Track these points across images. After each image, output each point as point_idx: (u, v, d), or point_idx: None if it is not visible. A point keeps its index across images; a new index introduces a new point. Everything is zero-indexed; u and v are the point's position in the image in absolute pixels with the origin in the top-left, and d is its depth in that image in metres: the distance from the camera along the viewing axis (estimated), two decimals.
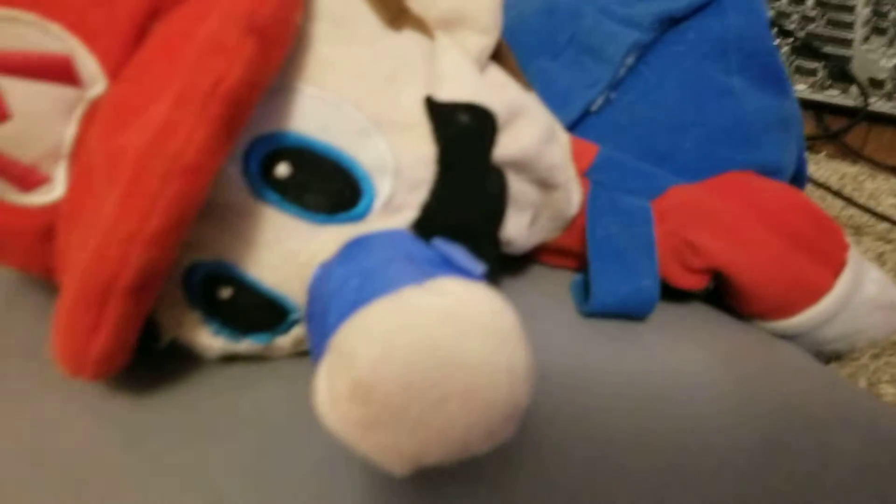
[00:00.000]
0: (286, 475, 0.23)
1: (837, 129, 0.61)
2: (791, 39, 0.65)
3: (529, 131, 0.26)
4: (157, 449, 0.24)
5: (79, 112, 0.22)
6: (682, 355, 0.29)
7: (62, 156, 0.22)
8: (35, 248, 0.23)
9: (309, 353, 0.24)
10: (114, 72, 0.21)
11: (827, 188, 0.53)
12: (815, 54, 0.63)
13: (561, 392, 0.26)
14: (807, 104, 0.63)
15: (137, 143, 0.18)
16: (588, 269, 0.29)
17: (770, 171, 0.34)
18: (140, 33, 0.21)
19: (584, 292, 0.30)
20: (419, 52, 0.24)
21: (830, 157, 0.59)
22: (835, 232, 0.33)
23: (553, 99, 0.30)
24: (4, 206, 0.23)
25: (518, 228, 0.28)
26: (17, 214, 0.23)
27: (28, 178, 0.22)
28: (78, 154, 0.22)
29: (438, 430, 0.18)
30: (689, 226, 0.30)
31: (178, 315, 0.24)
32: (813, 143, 0.61)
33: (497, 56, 0.29)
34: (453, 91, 0.24)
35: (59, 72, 0.21)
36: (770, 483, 0.26)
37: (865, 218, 0.54)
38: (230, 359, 0.25)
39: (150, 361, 0.25)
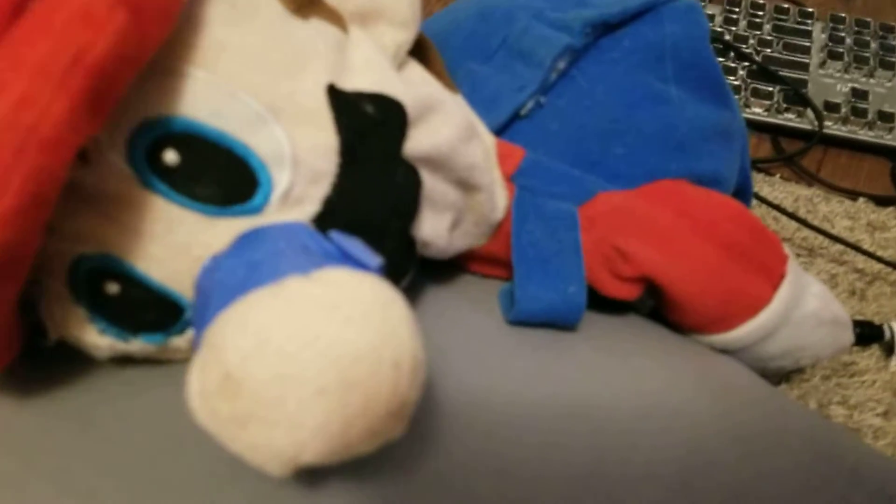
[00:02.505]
0: (169, 480, 0.21)
1: (793, 152, 0.61)
2: (748, 63, 0.65)
3: (445, 128, 0.25)
4: (35, 452, 0.22)
5: None
6: (610, 365, 0.28)
7: None
8: None
9: None
10: None
11: (781, 209, 0.53)
12: (772, 78, 0.63)
13: (479, 400, 0.25)
14: (763, 127, 0.62)
15: None
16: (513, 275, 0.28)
17: (707, 182, 0.33)
18: (17, 11, 0.19)
19: (511, 300, 0.28)
20: (326, 42, 0.23)
21: (785, 179, 0.59)
22: (773, 243, 0.32)
23: (482, 102, 0.30)
24: None
25: (437, 230, 0.27)
26: None
27: None
28: None
29: (315, 426, 0.16)
30: (618, 232, 0.29)
31: (63, 311, 0.22)
32: (769, 166, 0.60)
33: (423, 58, 0.28)
34: (360, 82, 0.23)
35: None
36: (697, 496, 0.25)
37: (819, 240, 0.54)
38: (126, 362, 0.24)
39: (40, 362, 0.24)
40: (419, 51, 0.28)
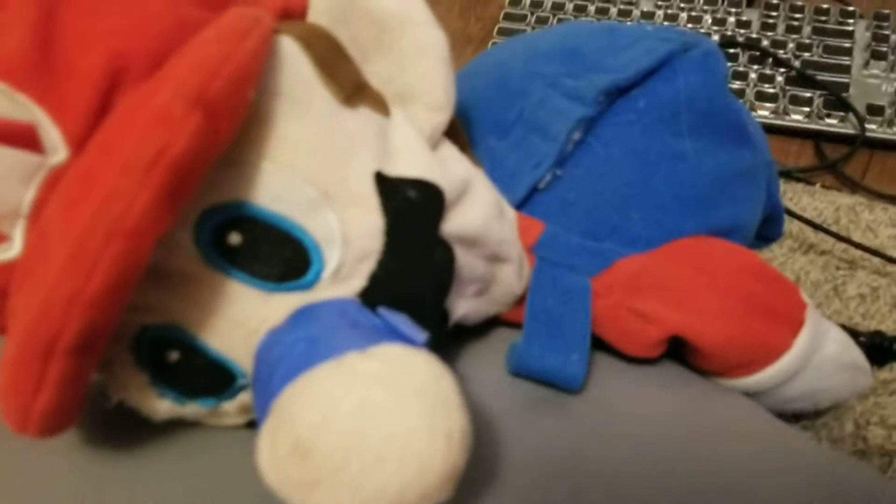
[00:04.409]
0: None
1: (834, 160, 0.60)
2: (785, 69, 0.64)
3: (478, 208, 0.28)
4: None
5: (39, 178, 0.23)
6: (599, 418, 0.30)
7: (21, 217, 0.23)
8: None
9: (255, 420, 0.26)
10: (77, 142, 0.22)
11: (817, 226, 0.53)
12: (811, 83, 0.63)
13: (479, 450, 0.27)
14: (804, 133, 0.62)
15: (87, 209, 0.19)
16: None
17: (725, 232, 0.34)
18: (103, 107, 0.22)
19: (516, 354, 0.30)
20: (372, 129, 0.26)
21: (827, 187, 0.59)
22: (791, 291, 0.33)
23: (502, 179, 0.32)
24: None
25: (465, 303, 0.29)
26: None
27: None
28: (36, 218, 0.23)
29: (375, 490, 0.19)
30: (637, 296, 0.31)
31: (126, 376, 0.25)
32: (810, 175, 0.60)
33: (449, 132, 0.30)
34: (403, 167, 0.26)
35: (24, 139, 0.22)
36: None
37: (861, 252, 0.54)
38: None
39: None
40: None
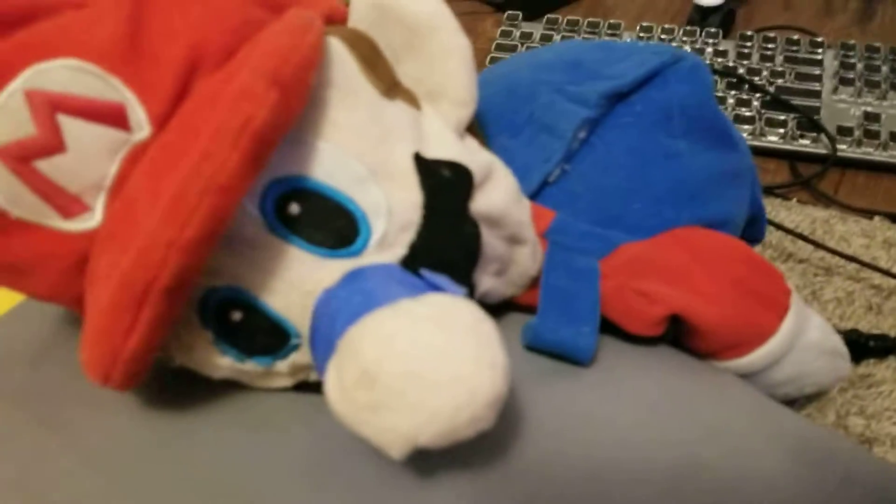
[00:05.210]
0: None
1: (809, 176, 0.64)
2: (761, 94, 0.69)
3: (500, 190, 0.31)
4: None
5: (122, 153, 0.25)
6: (612, 384, 0.32)
7: (104, 189, 0.26)
8: (69, 274, 0.26)
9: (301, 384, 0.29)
10: (159, 121, 0.25)
11: (797, 234, 0.57)
12: (785, 107, 0.67)
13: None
14: (780, 153, 0.66)
15: (181, 170, 0.22)
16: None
17: (716, 224, 0.38)
18: (183, 89, 0.25)
19: (530, 331, 0.33)
20: (408, 119, 0.29)
21: (803, 202, 0.63)
22: (777, 279, 0.37)
23: (515, 173, 0.35)
24: (46, 230, 0.26)
25: (486, 279, 0.32)
26: (57, 240, 0.26)
27: (71, 206, 0.26)
28: (118, 189, 0.26)
29: (430, 412, 0.21)
30: (639, 278, 0.34)
31: (191, 337, 0.28)
32: (786, 191, 0.64)
33: (469, 130, 0.33)
34: (436, 151, 0.29)
35: (114, 117, 0.25)
36: (686, 497, 0.29)
37: (836, 259, 0.58)
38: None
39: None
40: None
